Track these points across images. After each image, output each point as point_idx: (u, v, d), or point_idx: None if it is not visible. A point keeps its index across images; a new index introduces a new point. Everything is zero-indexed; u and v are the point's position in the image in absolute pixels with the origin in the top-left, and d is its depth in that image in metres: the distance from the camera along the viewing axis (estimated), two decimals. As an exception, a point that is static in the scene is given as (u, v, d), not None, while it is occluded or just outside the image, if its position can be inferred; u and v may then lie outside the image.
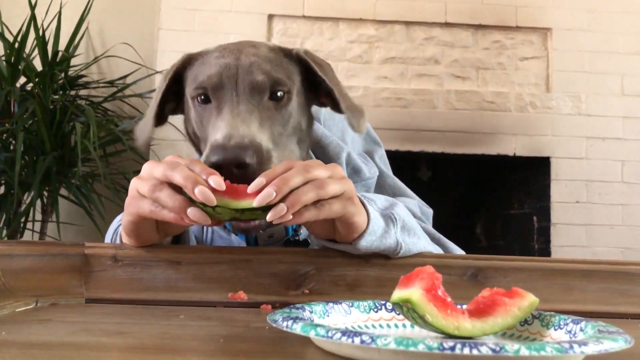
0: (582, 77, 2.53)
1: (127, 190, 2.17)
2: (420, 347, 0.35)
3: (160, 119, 0.83)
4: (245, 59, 0.72)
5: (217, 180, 0.59)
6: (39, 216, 2.21)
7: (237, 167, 0.62)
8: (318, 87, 0.80)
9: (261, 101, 0.71)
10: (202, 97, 0.72)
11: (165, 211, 0.61)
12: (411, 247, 0.73)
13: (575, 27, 2.55)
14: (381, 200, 0.77)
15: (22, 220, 2.12)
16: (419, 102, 2.48)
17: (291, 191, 0.59)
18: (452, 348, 0.34)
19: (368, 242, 0.69)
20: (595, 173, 2.49)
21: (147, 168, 0.64)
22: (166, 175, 0.60)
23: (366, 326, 0.54)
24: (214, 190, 0.58)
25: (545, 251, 2.48)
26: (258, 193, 0.58)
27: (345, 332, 0.37)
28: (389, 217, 0.72)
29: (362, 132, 0.80)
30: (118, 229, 0.81)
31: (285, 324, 0.42)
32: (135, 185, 0.64)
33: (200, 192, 0.57)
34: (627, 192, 2.50)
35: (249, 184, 0.59)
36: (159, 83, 0.83)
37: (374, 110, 2.44)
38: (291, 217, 0.59)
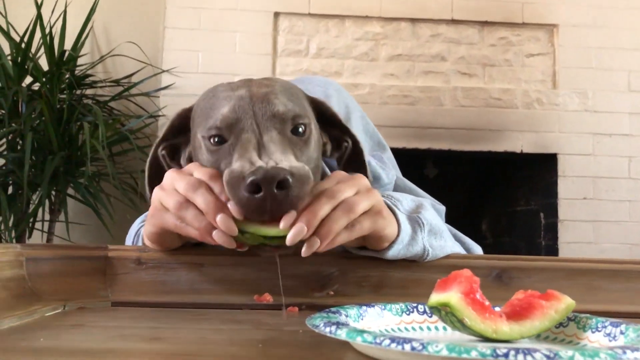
0: (589, 74, 2.53)
1: (134, 189, 2.16)
2: (473, 354, 0.34)
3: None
4: (257, 89, 0.67)
5: (236, 209, 0.57)
6: (46, 216, 2.21)
7: (279, 187, 0.55)
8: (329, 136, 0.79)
9: (284, 132, 0.65)
10: (217, 139, 0.65)
11: (190, 228, 0.60)
12: (438, 252, 0.73)
13: (582, 24, 2.55)
14: (407, 200, 0.76)
15: (30, 220, 2.12)
16: (426, 99, 2.48)
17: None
18: (506, 355, 0.34)
19: (395, 251, 0.69)
20: (602, 169, 2.49)
21: (169, 180, 0.63)
22: (188, 196, 0.59)
23: (399, 329, 0.54)
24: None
25: (553, 248, 2.48)
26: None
27: (394, 339, 0.37)
28: (416, 222, 0.72)
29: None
30: (140, 231, 0.81)
31: (328, 329, 0.42)
32: (159, 197, 0.63)
33: (221, 221, 0.56)
34: (634, 188, 2.50)
35: (285, 211, 0.56)
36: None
37: (381, 108, 2.44)
38: (325, 249, 0.58)
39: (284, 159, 0.59)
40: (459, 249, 0.80)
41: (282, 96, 0.67)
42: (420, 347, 0.36)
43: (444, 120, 2.47)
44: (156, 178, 0.70)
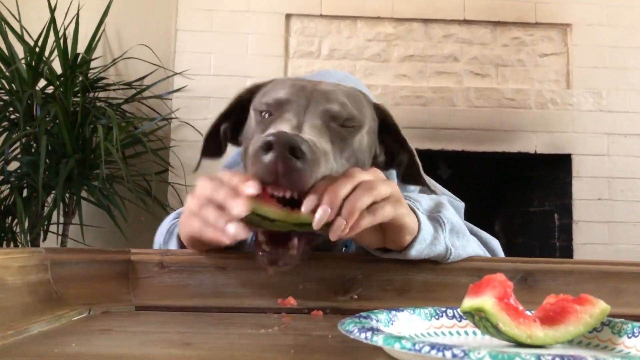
0: (603, 73, 2.51)
1: (147, 191, 2.15)
2: (517, 362, 0.34)
3: (216, 150, 0.81)
4: (323, 86, 0.69)
5: (251, 184, 0.56)
6: (61, 219, 2.22)
7: (291, 152, 0.55)
8: (385, 147, 0.79)
9: (329, 125, 0.65)
10: (266, 114, 0.67)
11: (209, 230, 0.60)
12: (460, 252, 0.72)
13: (595, 23, 2.53)
14: (426, 200, 0.76)
15: (45, 223, 2.13)
16: (439, 100, 2.47)
17: (344, 200, 0.58)
18: (551, 362, 0.33)
19: (418, 250, 0.68)
20: (617, 170, 2.47)
21: (200, 187, 0.63)
22: (212, 196, 0.60)
23: (429, 334, 0.53)
24: (275, 204, 0.56)
25: (567, 249, 2.47)
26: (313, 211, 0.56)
27: (434, 345, 0.37)
28: (437, 221, 0.71)
29: (439, 194, 0.80)
30: (172, 229, 0.81)
31: (363, 335, 0.42)
32: (189, 204, 0.64)
33: (235, 204, 0.56)
34: (650, 189, 2.47)
35: (299, 185, 0.56)
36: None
37: (393, 109, 2.38)
38: (350, 227, 0.57)
39: (309, 134, 0.59)
40: (480, 250, 0.80)
41: (343, 97, 0.68)
42: (462, 355, 0.35)
43: (457, 120, 2.46)
44: (211, 152, 0.76)
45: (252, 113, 0.71)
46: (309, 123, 0.63)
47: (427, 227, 0.69)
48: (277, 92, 0.68)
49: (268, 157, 0.55)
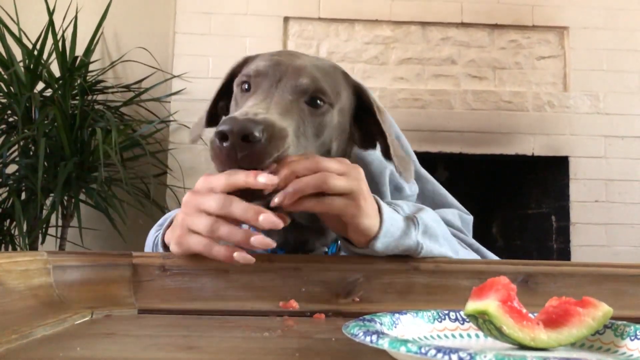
0: (600, 76, 2.52)
1: (145, 194, 2.14)
2: (523, 364, 0.34)
3: (214, 119, 0.84)
4: (299, 62, 0.71)
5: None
6: (59, 222, 2.21)
7: (243, 139, 0.58)
8: (364, 127, 0.79)
9: (297, 101, 0.69)
10: (246, 86, 0.71)
11: (216, 248, 0.63)
12: (433, 250, 0.73)
13: (592, 26, 2.54)
14: (409, 206, 0.77)
15: (43, 225, 2.12)
16: (436, 102, 2.47)
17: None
18: (557, 365, 0.34)
19: (384, 243, 0.69)
20: (614, 172, 2.48)
21: (193, 202, 0.64)
22: (226, 213, 0.62)
23: (432, 337, 0.54)
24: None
25: (565, 251, 2.47)
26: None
27: (440, 349, 0.37)
28: (410, 220, 0.72)
29: (409, 181, 0.79)
30: (157, 241, 0.81)
31: (368, 339, 0.42)
32: (186, 222, 0.65)
33: (265, 220, 0.60)
34: (647, 191, 2.49)
35: (258, 164, 0.60)
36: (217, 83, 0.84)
37: (391, 112, 2.42)
38: (289, 202, 0.61)
39: (269, 115, 0.62)
40: (452, 255, 0.79)
41: (316, 73, 0.70)
42: (468, 358, 0.35)
43: (454, 123, 2.46)
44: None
45: (235, 89, 0.74)
46: (276, 99, 0.67)
47: (396, 222, 0.69)
48: (257, 64, 0.71)
49: (225, 146, 0.59)
